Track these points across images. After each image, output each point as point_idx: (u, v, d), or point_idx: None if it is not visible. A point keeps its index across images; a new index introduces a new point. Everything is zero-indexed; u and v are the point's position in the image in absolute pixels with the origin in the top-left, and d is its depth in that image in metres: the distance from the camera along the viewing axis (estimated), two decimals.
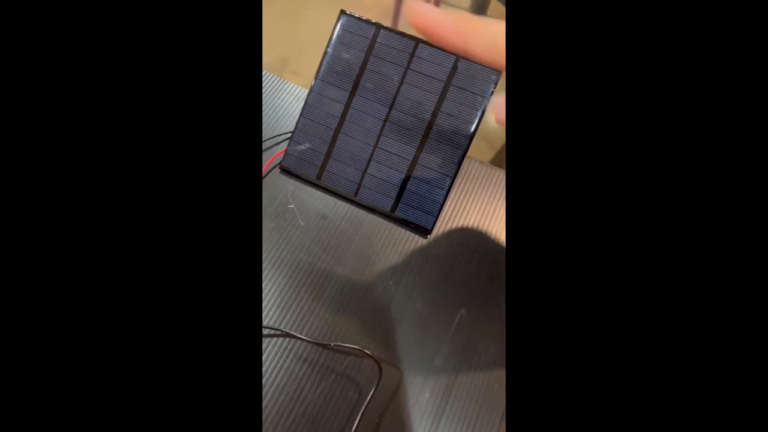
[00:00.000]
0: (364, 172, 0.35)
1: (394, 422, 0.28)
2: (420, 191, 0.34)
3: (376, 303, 0.32)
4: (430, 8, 0.18)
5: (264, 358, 0.30)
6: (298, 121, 0.36)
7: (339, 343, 0.30)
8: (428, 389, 0.29)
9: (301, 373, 0.29)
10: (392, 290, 0.33)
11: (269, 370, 0.30)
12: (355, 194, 0.35)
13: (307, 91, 0.35)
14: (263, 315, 0.31)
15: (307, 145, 0.36)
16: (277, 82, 0.41)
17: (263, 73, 0.42)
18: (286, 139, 0.38)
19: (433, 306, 0.32)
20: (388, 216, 0.35)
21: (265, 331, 0.30)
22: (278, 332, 0.30)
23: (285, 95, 0.41)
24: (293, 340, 0.30)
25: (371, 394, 0.28)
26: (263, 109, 0.40)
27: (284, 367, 0.30)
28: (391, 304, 0.32)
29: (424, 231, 0.35)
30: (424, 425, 0.28)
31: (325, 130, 0.36)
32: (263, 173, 0.37)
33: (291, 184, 0.37)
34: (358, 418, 0.28)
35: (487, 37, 0.18)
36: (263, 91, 0.41)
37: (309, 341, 0.30)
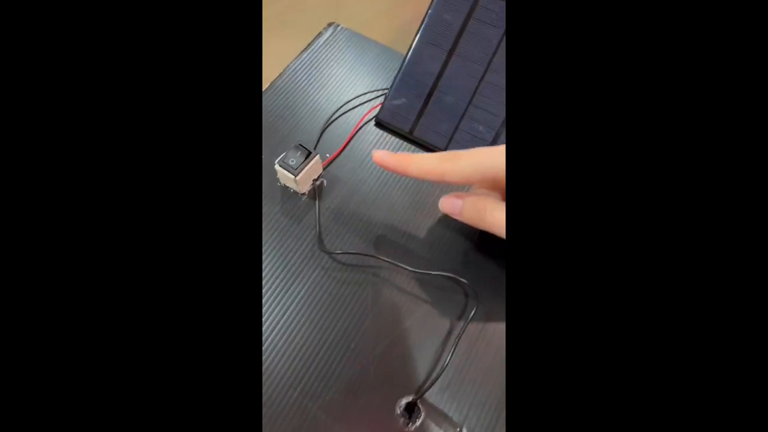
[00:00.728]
0: (457, 127, 0.38)
1: (487, 347, 0.31)
2: None
3: (469, 243, 0.35)
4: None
5: (366, 285, 0.33)
6: (395, 77, 0.39)
7: (439, 272, 0.32)
8: None
9: (401, 300, 0.32)
10: (480, 235, 0.35)
11: (371, 294, 0.33)
12: (446, 148, 0.38)
13: (396, 49, 0.38)
14: (371, 247, 0.34)
15: (404, 100, 0.39)
16: (364, 42, 0.44)
17: (351, 33, 0.44)
18: (378, 96, 0.41)
19: None
20: None
21: (372, 261, 0.33)
22: (385, 261, 0.33)
23: (369, 53, 0.43)
24: (395, 271, 0.33)
25: (471, 315, 0.31)
26: (351, 66, 0.42)
27: (383, 293, 0.33)
28: (482, 245, 0.35)
29: None
30: None
31: (422, 86, 0.38)
32: (359, 126, 0.40)
33: (381, 139, 0.39)
34: (457, 339, 0.31)
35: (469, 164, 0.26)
36: (351, 51, 0.43)
37: (411, 270, 0.33)
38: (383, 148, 0.39)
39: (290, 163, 0.34)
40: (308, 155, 0.34)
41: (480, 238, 0.35)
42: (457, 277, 0.32)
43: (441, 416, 0.29)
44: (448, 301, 0.33)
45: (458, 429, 0.29)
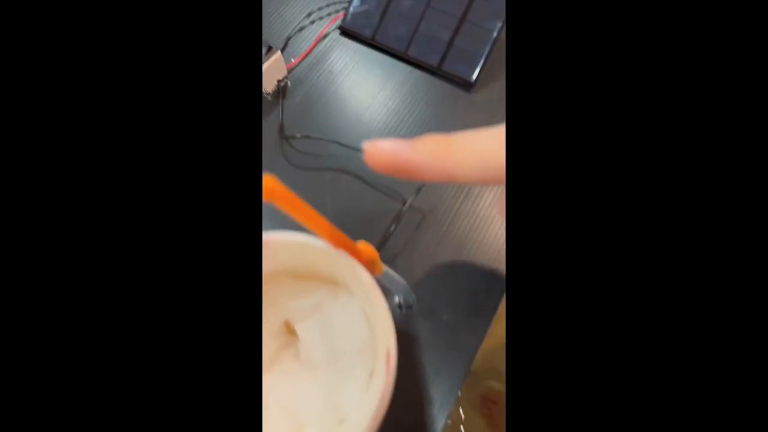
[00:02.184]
0: (416, 30, 0.39)
1: (436, 206, 0.33)
2: (465, 47, 0.38)
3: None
4: (392, 144, 0.16)
5: (325, 170, 0.35)
6: None
7: None
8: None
9: (357, 184, 0.34)
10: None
11: (330, 179, 0.34)
12: (406, 50, 0.39)
13: None
14: (332, 137, 0.36)
15: (366, 6, 0.40)
16: None
17: None
18: (342, 8, 0.42)
19: None
20: (435, 71, 0.39)
21: (333, 148, 0.35)
22: (345, 146, 0.35)
23: None
24: (354, 158, 0.35)
25: (418, 188, 0.33)
26: None
27: (342, 178, 0.34)
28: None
29: (467, 84, 0.39)
30: (474, 202, 0.33)
31: None
32: (324, 33, 0.41)
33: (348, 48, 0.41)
34: (398, 215, 0.32)
35: (475, 152, 0.15)
36: None
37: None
38: (346, 58, 0.40)
39: None
40: (269, 49, 0.35)
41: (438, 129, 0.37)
42: None
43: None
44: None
45: (409, 296, 0.30)
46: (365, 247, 0.21)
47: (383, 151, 0.16)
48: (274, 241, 0.19)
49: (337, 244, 0.19)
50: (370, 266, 0.21)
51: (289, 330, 0.23)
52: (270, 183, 0.14)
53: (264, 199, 0.14)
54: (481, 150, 0.14)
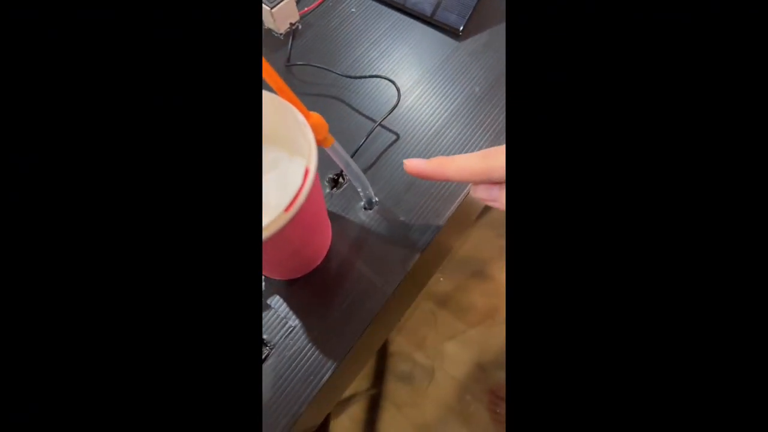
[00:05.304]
0: None
1: (410, 131, 0.37)
2: None
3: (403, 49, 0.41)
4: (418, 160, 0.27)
5: (321, 91, 0.40)
6: None
7: (371, 75, 0.39)
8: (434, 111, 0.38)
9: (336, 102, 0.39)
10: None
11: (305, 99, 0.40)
12: (404, 2, 0.44)
13: None
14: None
15: None
16: None
17: None
18: None
19: (453, 82, 0.40)
20: (429, 20, 0.43)
21: (325, 76, 0.40)
22: (336, 73, 0.40)
23: None
24: (340, 79, 0.40)
25: (391, 109, 0.38)
26: None
27: (328, 101, 0.40)
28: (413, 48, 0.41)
29: (456, 33, 0.43)
30: (444, 131, 0.37)
31: None
32: None
33: None
34: (376, 125, 0.37)
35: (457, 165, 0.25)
36: None
37: (348, 76, 0.39)
38: (353, 8, 0.46)
39: None
40: None
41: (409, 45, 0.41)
42: (386, 77, 0.39)
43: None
44: (378, 98, 0.40)
45: (368, 191, 0.35)
46: (317, 116, 0.26)
47: (412, 165, 0.27)
48: None
49: (291, 102, 0.24)
50: (319, 131, 0.26)
51: None
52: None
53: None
54: (464, 165, 0.25)
